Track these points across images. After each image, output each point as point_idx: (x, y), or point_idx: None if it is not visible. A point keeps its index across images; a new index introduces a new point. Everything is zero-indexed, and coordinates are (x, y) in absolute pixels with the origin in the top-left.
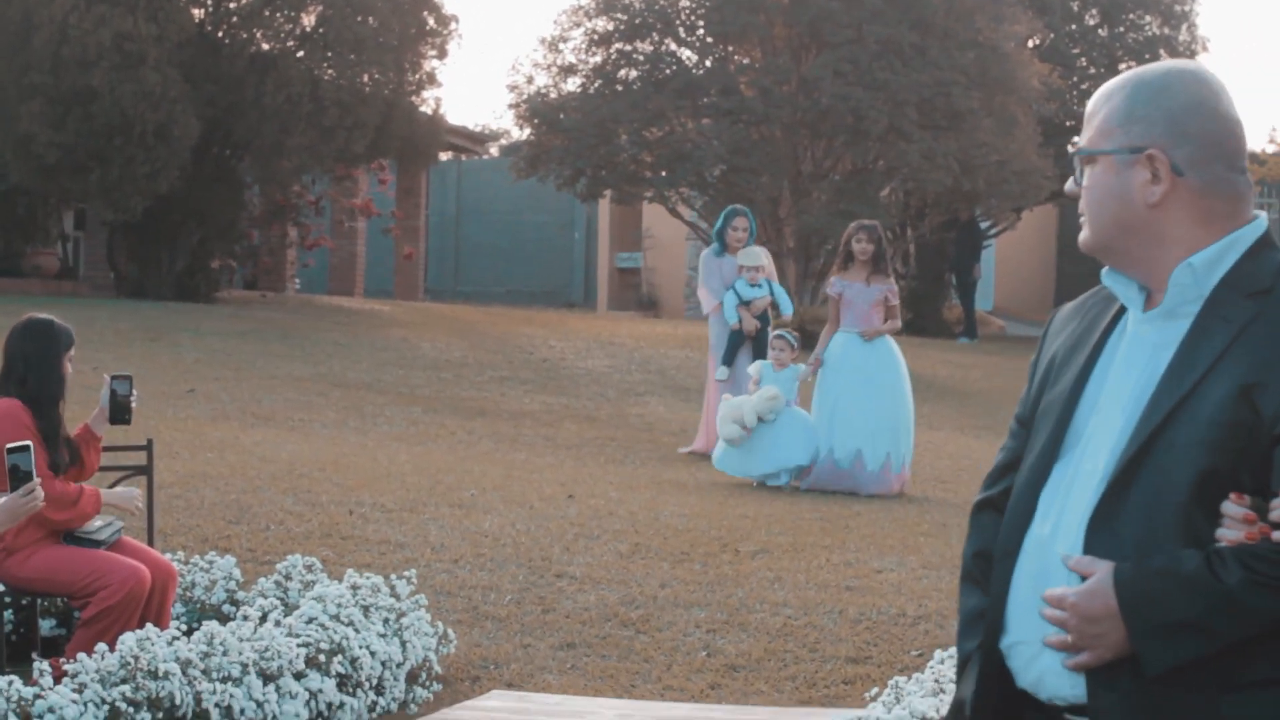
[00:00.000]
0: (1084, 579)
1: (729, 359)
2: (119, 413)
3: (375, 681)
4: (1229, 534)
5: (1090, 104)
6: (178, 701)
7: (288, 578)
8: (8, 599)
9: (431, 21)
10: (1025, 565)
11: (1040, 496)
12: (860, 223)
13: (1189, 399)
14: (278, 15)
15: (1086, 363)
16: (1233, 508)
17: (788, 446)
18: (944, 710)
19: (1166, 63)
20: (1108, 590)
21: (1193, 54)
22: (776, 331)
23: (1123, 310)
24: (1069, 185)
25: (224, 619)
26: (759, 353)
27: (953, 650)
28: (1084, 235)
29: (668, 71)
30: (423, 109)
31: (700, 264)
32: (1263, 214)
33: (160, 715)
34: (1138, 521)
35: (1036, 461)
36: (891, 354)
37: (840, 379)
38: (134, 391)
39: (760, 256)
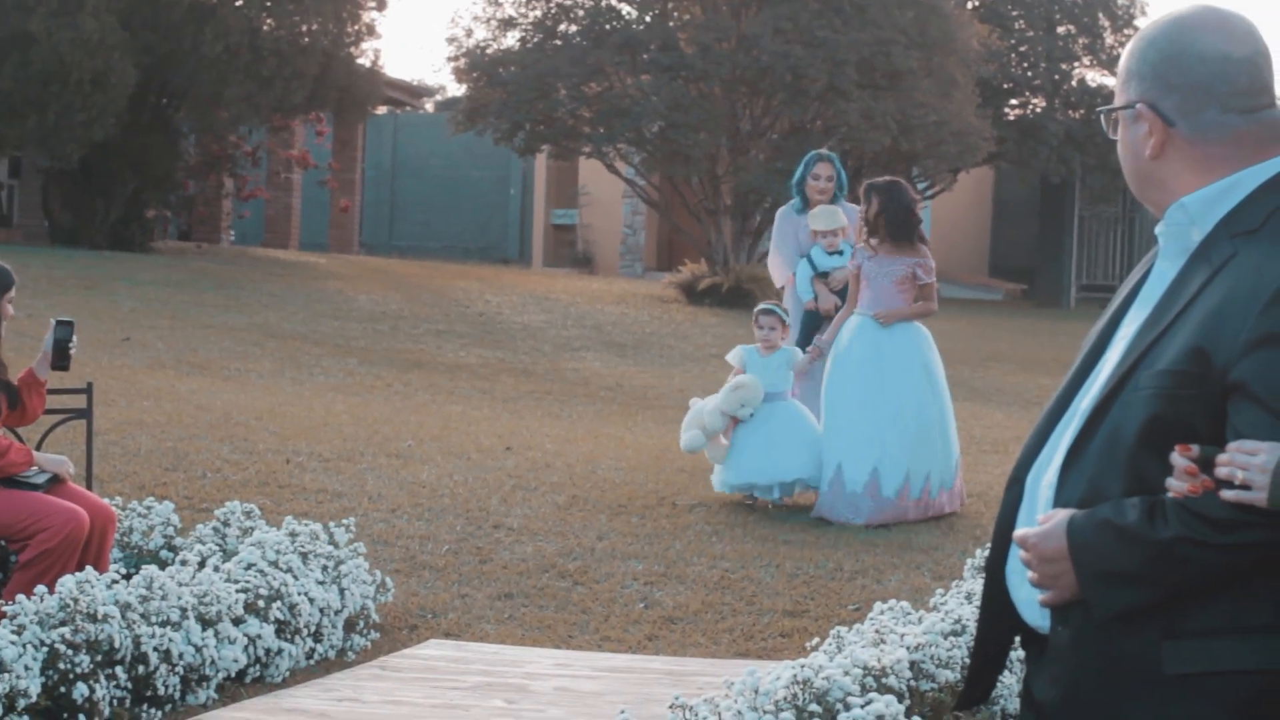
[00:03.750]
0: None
1: (804, 342)
2: (58, 358)
3: (314, 628)
4: (1176, 485)
5: None
6: (117, 645)
7: (226, 524)
8: None
9: None
10: (1026, 497)
11: (1054, 429)
12: (870, 182)
13: (1157, 342)
14: None
15: (1123, 303)
16: (1178, 459)
17: (780, 452)
18: (885, 660)
19: (1171, 11)
20: (1061, 534)
21: (1130, 18)
22: (763, 305)
23: None
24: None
25: (162, 565)
26: None
27: (892, 602)
28: None
29: (608, 26)
30: (361, 60)
31: (775, 224)
32: None
33: (99, 658)
34: (1096, 462)
35: (1059, 394)
36: (914, 344)
37: (846, 375)
38: (74, 337)
39: (838, 216)
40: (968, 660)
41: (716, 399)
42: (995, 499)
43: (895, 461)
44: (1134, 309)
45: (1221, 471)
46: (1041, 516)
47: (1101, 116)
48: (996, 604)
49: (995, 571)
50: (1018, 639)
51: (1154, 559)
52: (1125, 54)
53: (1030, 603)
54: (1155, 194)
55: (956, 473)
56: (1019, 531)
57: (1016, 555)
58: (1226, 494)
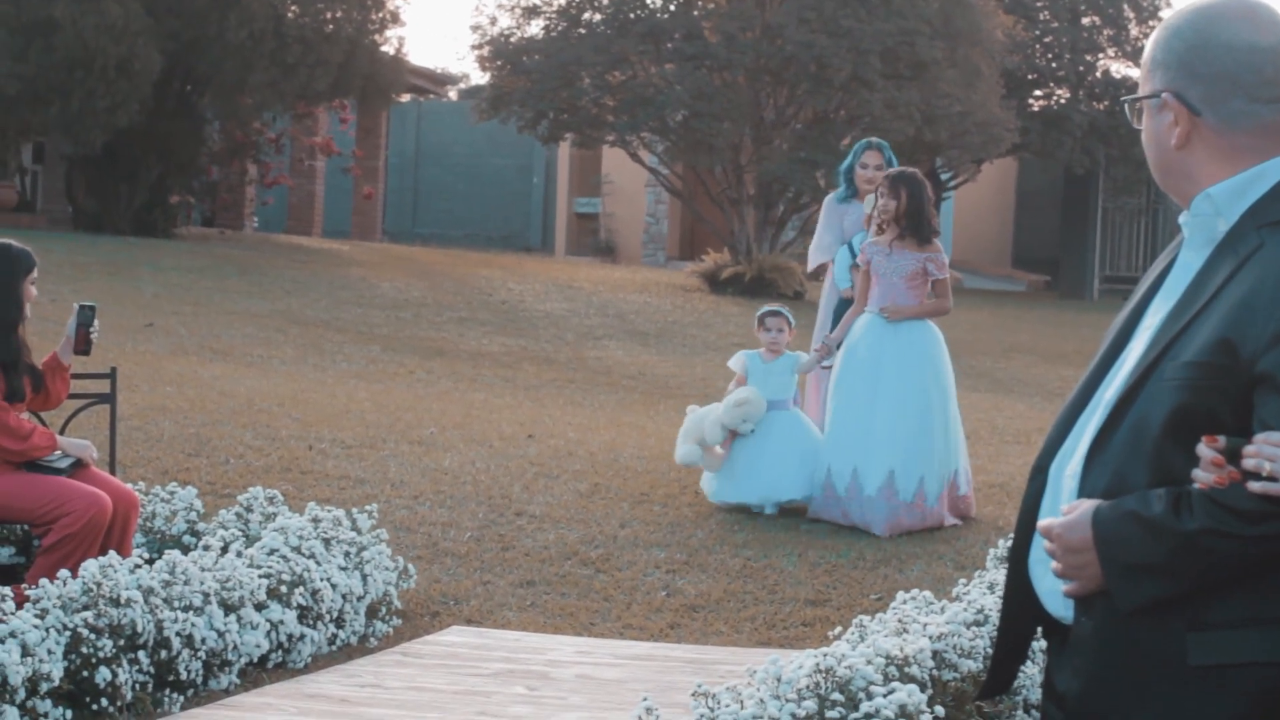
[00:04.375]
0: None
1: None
2: (80, 342)
3: (336, 614)
4: (1203, 476)
5: None
6: (139, 629)
7: (249, 509)
8: None
9: None
10: (1050, 486)
11: (1077, 419)
12: (888, 173)
13: (1183, 333)
14: None
15: (1146, 293)
16: (1205, 450)
17: (778, 470)
18: (908, 649)
19: (1197, 0)
20: (1086, 525)
21: (1155, 9)
22: (769, 307)
23: None
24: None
25: (185, 550)
26: None
27: (915, 592)
28: None
29: (632, 15)
30: (385, 48)
31: (822, 211)
32: None
33: (122, 642)
34: (1121, 452)
35: (1083, 384)
36: (922, 343)
37: (848, 375)
38: (95, 323)
39: None
40: (990, 650)
41: (717, 411)
42: (1017, 490)
43: (878, 460)
44: (1158, 300)
45: (1249, 463)
46: (1066, 507)
47: (1125, 106)
48: (1019, 594)
49: (1018, 562)
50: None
51: (1180, 550)
52: (1150, 43)
53: (1053, 593)
54: (1180, 184)
55: (964, 481)
56: (1044, 522)
57: (1040, 545)
58: (1254, 485)
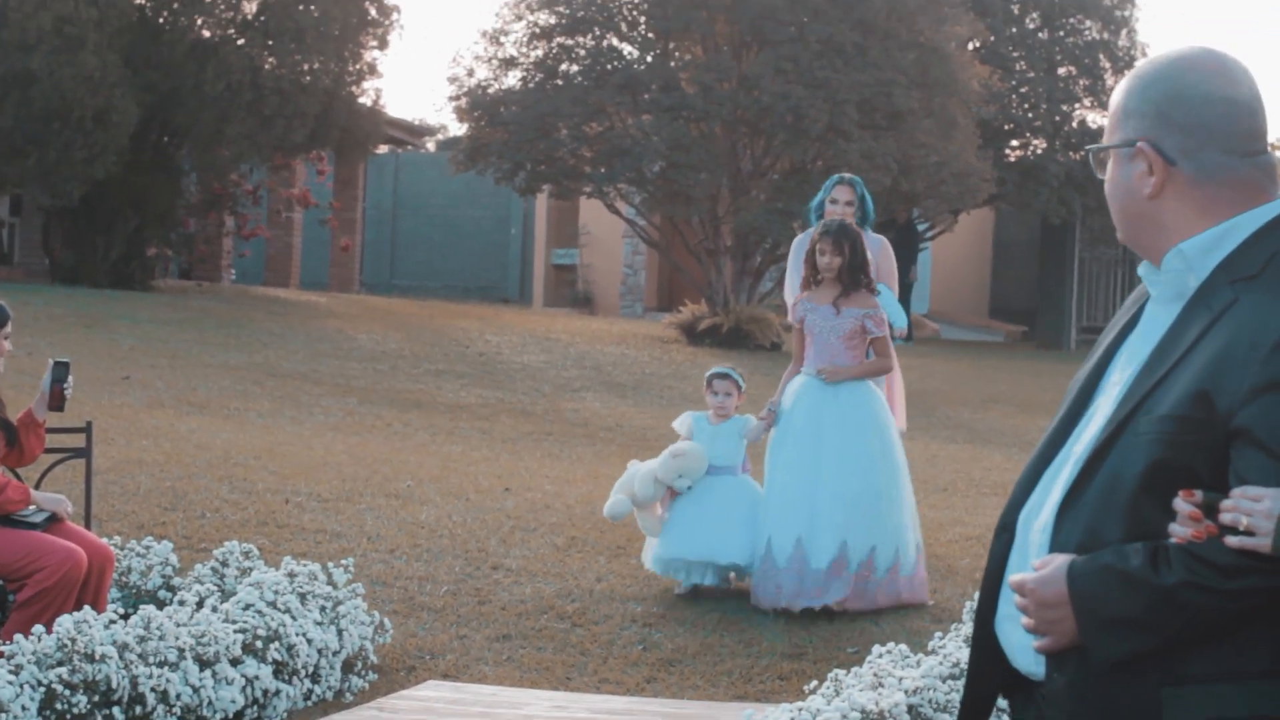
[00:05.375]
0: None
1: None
2: (53, 398)
3: (311, 669)
4: (1180, 530)
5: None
6: (114, 685)
7: (224, 564)
8: None
9: (373, 11)
10: (1018, 541)
11: (1043, 474)
12: (827, 223)
13: (1157, 387)
14: (219, 2)
15: (1111, 345)
16: (1182, 505)
17: (716, 531)
18: (883, 704)
19: (1168, 51)
20: (1061, 580)
21: (1131, 60)
22: (716, 369)
23: None
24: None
25: (160, 604)
26: None
27: (890, 645)
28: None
29: (609, 66)
30: (362, 100)
31: (791, 252)
32: None
33: (96, 698)
34: (1095, 507)
35: (1047, 439)
36: (863, 405)
37: (785, 442)
38: (69, 379)
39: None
40: None
41: (653, 464)
42: None
43: (826, 530)
44: (1124, 354)
45: (1225, 518)
46: (1038, 562)
47: (1090, 155)
48: (986, 651)
49: (984, 618)
50: None
51: (1157, 604)
52: (1120, 92)
53: (1023, 648)
54: (1150, 233)
55: (917, 557)
56: (1015, 577)
57: (1007, 601)
58: (1231, 540)
